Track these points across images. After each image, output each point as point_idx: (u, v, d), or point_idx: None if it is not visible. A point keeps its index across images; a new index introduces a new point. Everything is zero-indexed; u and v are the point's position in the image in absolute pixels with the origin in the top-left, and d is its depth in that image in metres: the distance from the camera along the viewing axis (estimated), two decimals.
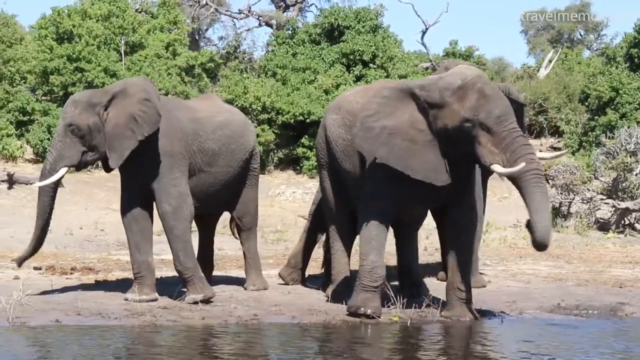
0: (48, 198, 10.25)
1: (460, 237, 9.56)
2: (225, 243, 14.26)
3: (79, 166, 10.22)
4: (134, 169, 10.02)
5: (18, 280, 11.28)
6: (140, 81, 10.44)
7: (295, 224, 17.49)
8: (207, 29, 45.48)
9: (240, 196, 11.03)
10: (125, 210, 10.24)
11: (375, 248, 9.44)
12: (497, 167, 8.87)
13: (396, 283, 10.85)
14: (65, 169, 10.04)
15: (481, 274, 12.46)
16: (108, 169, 10.36)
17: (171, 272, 11.93)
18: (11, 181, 19.36)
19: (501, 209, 21.25)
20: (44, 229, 10.39)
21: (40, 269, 12.15)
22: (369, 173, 9.46)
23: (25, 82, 27.83)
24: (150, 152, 9.91)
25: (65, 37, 27.06)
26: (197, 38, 42.55)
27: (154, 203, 10.19)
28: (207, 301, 10.01)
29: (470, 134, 8.86)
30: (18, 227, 15.60)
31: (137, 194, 10.15)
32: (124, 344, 8.27)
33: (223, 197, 10.77)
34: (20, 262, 10.57)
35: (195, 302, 9.92)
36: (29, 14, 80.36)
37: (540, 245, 8.84)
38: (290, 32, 28.65)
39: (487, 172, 11.98)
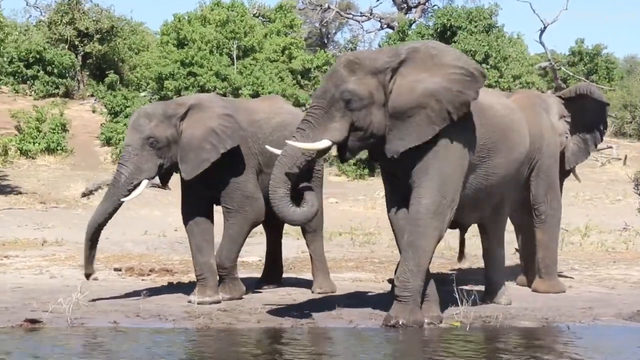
0: (114, 207, 10.23)
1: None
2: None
3: (153, 178, 10.29)
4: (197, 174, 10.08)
5: (96, 281, 11.56)
6: (214, 97, 10.61)
7: (389, 227, 17.28)
8: (335, 33, 45.74)
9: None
10: (186, 212, 10.35)
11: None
12: None
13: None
14: (146, 182, 10.11)
15: (564, 276, 12.12)
16: (165, 182, 10.48)
17: (247, 274, 12.02)
18: None
19: (613, 212, 20.67)
20: (95, 242, 10.32)
21: (120, 270, 12.37)
22: None
23: (149, 87, 28.52)
24: None
25: (185, 43, 27.59)
26: (325, 41, 42.84)
27: (214, 206, 10.33)
28: (214, 302, 10.08)
29: None
30: (116, 229, 15.92)
31: (199, 197, 10.25)
32: (159, 345, 8.32)
33: None
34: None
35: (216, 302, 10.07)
36: (158, 21, 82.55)
37: None
38: (401, 33, 28.49)
39: (564, 173, 11.69)
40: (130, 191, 10.05)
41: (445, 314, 9.58)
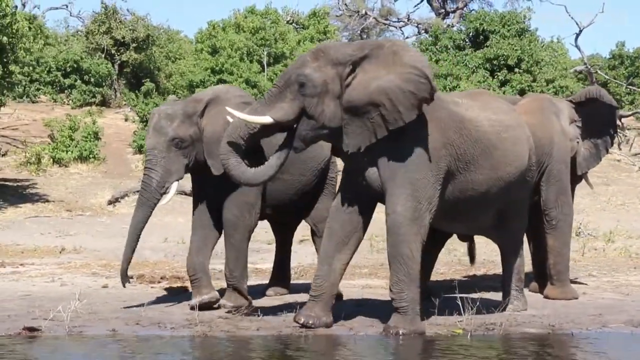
0: (151, 212, 10.19)
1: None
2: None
3: (182, 178, 10.27)
4: (206, 175, 10.05)
5: (106, 288, 11.60)
6: (230, 87, 10.59)
7: None
8: (376, 39, 45.57)
9: (317, 204, 10.87)
10: (194, 214, 10.37)
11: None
12: None
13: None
14: (177, 183, 10.10)
15: (578, 283, 11.95)
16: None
17: (260, 281, 11.99)
18: None
19: None
20: (135, 248, 10.23)
21: (131, 277, 12.33)
22: None
23: (183, 95, 28.68)
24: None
25: (218, 50, 27.70)
26: None
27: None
28: (212, 299, 10.13)
29: None
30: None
31: (208, 200, 10.23)
32: (150, 353, 8.30)
33: (297, 205, 10.66)
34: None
35: (222, 307, 10.06)
36: (196, 29, 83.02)
37: None
38: (432, 38, 28.34)
39: (576, 179, 11.51)
40: (162, 195, 10.07)
41: (448, 321, 9.50)
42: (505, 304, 10.21)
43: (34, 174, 23.05)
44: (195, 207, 10.43)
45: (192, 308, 10.01)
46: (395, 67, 8.67)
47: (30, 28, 33.96)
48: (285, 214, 10.75)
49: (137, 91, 31.21)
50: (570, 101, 11.61)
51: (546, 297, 11.15)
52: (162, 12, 66.72)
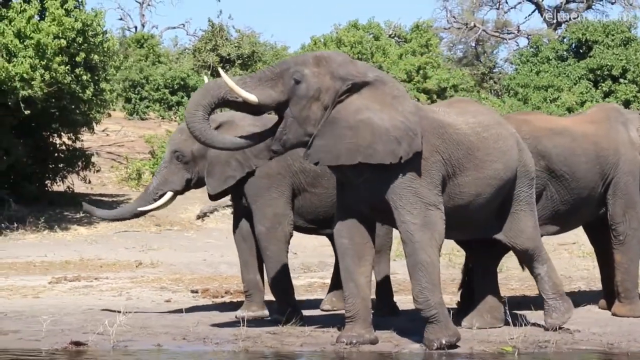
0: (140, 212, 10.60)
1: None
2: (399, 267, 13.91)
3: (182, 192, 10.45)
4: (237, 189, 10.13)
5: (168, 303, 11.66)
6: (247, 115, 10.48)
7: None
8: (492, 51, 45.13)
9: None
10: (235, 228, 10.49)
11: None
12: None
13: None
14: (170, 193, 10.30)
15: None
16: (215, 198, 10.50)
17: (323, 295, 11.87)
18: None
19: None
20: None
21: (196, 292, 12.41)
22: None
23: None
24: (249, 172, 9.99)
25: None
26: (481, 60, 42.30)
27: None
28: (258, 317, 10.26)
29: None
30: (215, 251, 16.11)
31: (243, 213, 10.29)
32: None
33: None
34: (87, 209, 10.93)
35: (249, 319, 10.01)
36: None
37: None
38: (533, 49, 27.78)
39: None
40: (155, 200, 10.34)
41: (500, 338, 9.23)
42: (547, 317, 9.81)
43: (135, 189, 23.46)
44: (234, 219, 10.57)
45: (237, 318, 10.07)
46: (391, 110, 8.62)
47: (143, 47, 34.92)
48: (323, 228, 10.61)
49: None
50: None
51: (614, 314, 10.73)
52: (270, 29, 68.22)
